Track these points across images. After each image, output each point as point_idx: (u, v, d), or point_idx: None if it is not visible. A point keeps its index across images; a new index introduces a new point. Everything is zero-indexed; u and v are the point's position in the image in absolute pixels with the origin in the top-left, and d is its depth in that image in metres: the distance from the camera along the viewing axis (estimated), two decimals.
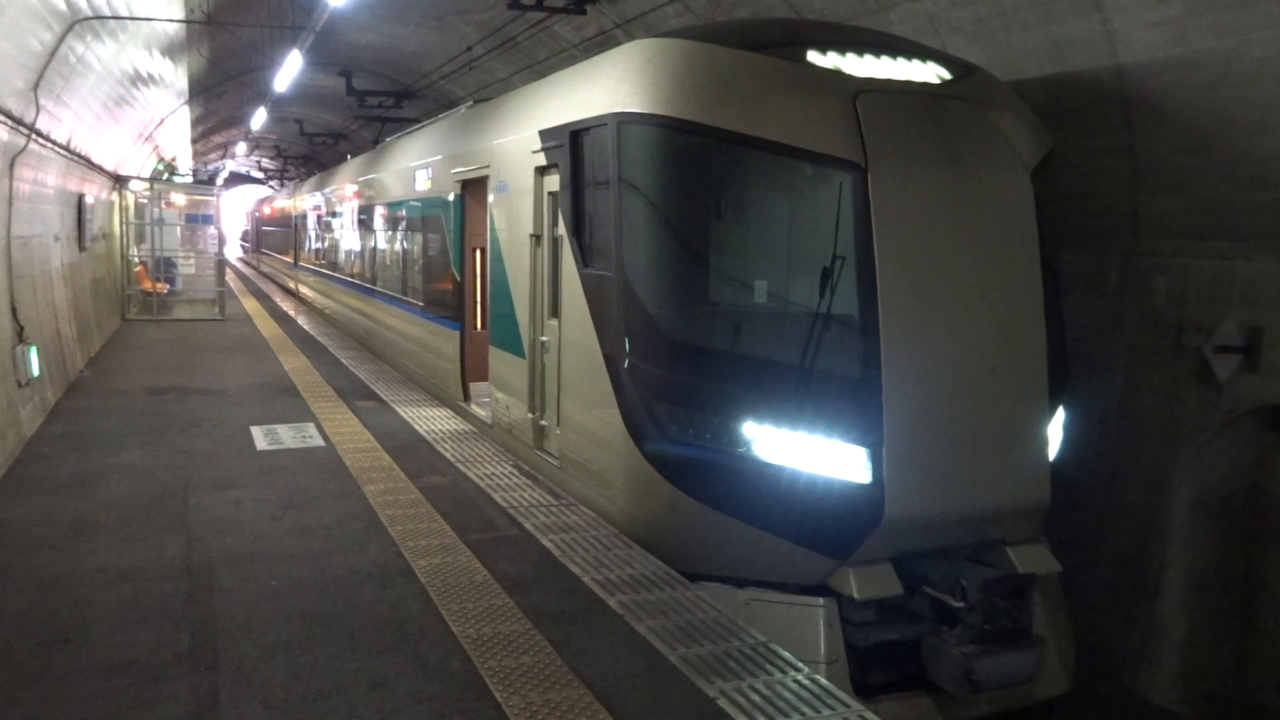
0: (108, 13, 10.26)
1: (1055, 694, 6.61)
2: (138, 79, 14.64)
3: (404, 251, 14.30)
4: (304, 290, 27.05)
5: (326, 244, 22.96)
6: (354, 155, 26.67)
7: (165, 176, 26.17)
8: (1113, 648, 8.37)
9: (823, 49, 6.76)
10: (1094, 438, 8.52)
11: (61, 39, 9.43)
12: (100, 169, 15.94)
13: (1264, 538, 8.04)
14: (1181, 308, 7.96)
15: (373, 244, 16.94)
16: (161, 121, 20.45)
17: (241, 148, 42.14)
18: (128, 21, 11.19)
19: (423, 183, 12.86)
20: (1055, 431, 6.80)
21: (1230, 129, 7.05)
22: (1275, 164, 6.92)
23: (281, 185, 48.31)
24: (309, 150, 39.60)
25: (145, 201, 21.31)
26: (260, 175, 57.70)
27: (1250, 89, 6.75)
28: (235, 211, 58.87)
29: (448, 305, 11.53)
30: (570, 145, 7.49)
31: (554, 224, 8.09)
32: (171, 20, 13.08)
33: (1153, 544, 8.17)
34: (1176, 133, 7.43)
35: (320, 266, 23.81)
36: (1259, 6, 6.37)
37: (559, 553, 6.11)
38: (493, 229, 9.66)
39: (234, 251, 54.69)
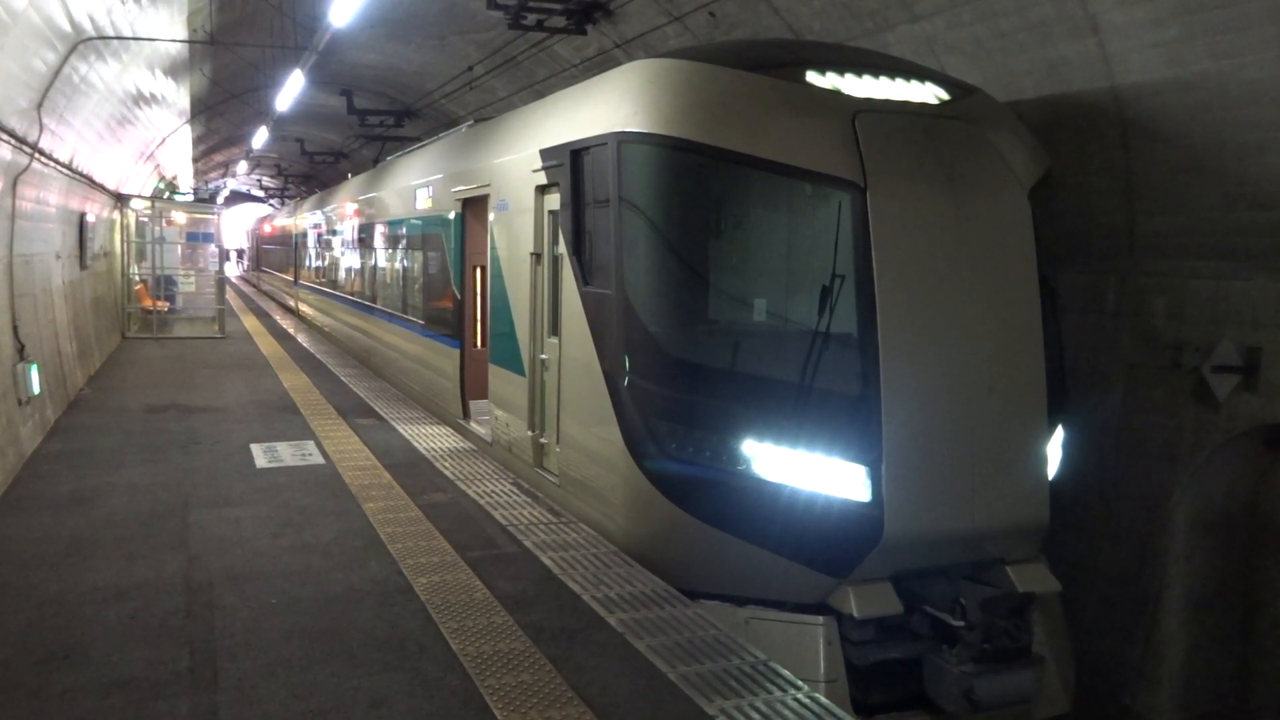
0: (111, 33, 10.33)
1: (1055, 713, 6.59)
2: (140, 98, 14.72)
3: (404, 269, 14.34)
4: (304, 308, 27.09)
5: (327, 262, 23.01)
6: (355, 174, 26.77)
7: (166, 195, 26.22)
8: (1112, 667, 8.35)
9: (822, 69, 6.81)
10: (1093, 457, 8.52)
11: (65, 59, 9.50)
12: (102, 188, 16.00)
13: (1263, 556, 8.04)
14: (1179, 327, 7.99)
15: (373, 262, 16.98)
16: (163, 140, 20.53)
17: (242, 166, 42.30)
18: (131, 42, 11.26)
19: (423, 201, 12.92)
20: (1054, 450, 6.81)
21: (1225, 150, 7.10)
22: (1270, 184, 6.96)
23: (282, 204, 48.43)
24: (310, 169, 39.74)
25: (146, 220, 21.37)
26: (261, 194, 57.89)
27: (1245, 110, 6.81)
28: (236, 230, 59.00)
29: (448, 323, 11.56)
30: (571, 164, 7.53)
31: (554, 242, 8.13)
32: (174, 40, 13.17)
33: (1152, 563, 8.17)
34: (1172, 153, 7.48)
35: (320, 284, 23.85)
36: (1253, 30, 6.43)
37: (559, 570, 6.11)
38: (493, 247, 9.70)
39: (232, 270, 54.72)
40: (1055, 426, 6.81)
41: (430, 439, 9.99)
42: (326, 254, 23.08)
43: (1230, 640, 8.13)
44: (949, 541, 6.25)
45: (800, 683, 4.66)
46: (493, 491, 7.98)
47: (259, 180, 51.96)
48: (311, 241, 25.63)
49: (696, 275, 6.70)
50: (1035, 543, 6.61)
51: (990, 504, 6.24)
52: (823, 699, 4.51)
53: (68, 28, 8.98)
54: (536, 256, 8.53)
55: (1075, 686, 6.88)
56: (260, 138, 26.46)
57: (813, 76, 6.74)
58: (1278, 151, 6.79)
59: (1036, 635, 6.41)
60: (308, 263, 26.50)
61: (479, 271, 11.19)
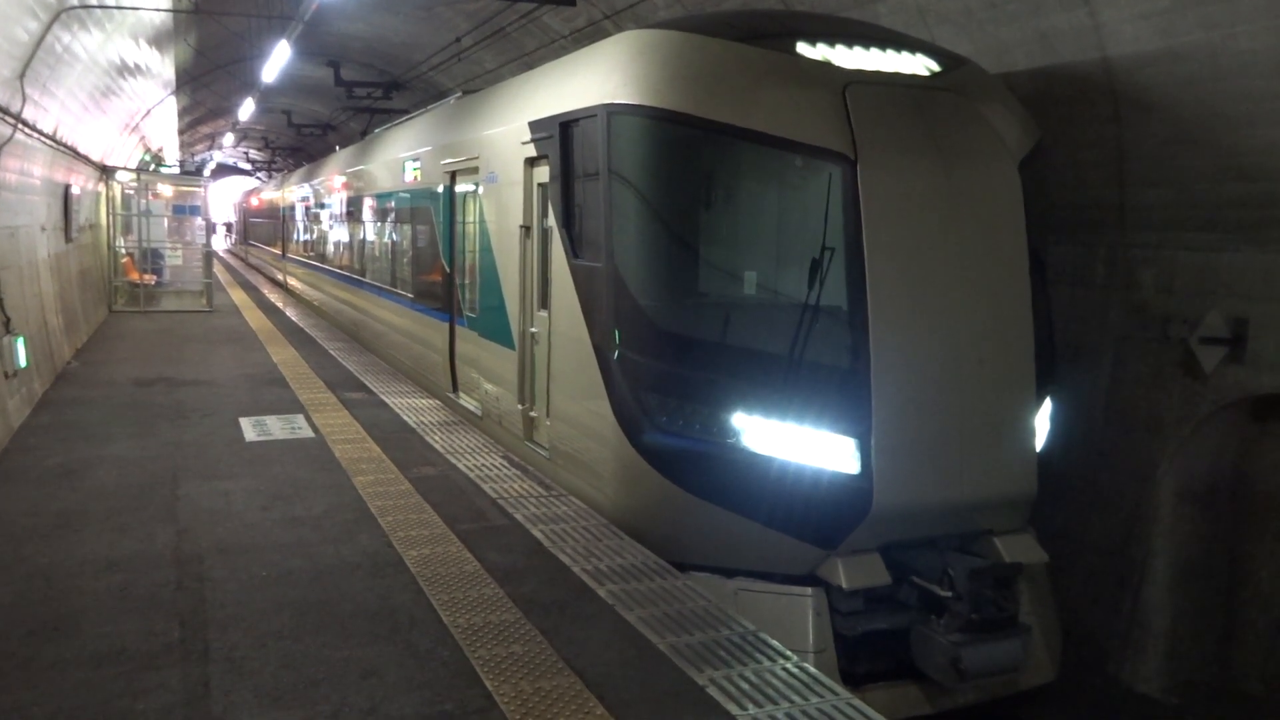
0: (94, 1, 10.19)
1: (1041, 682, 6.67)
2: (124, 69, 14.55)
3: (393, 243, 14.27)
4: (292, 282, 26.97)
5: (315, 235, 22.90)
6: (342, 146, 26.58)
7: (152, 167, 26.00)
8: (1098, 637, 8.43)
9: (812, 41, 6.78)
10: (1080, 428, 8.57)
11: (48, 28, 9.37)
12: (87, 159, 15.85)
13: (1248, 528, 8.10)
14: (1168, 299, 8.01)
15: (361, 235, 16.90)
16: (148, 112, 20.32)
17: (229, 139, 41.97)
18: (114, 11, 11.12)
19: (411, 174, 12.84)
20: (1042, 422, 6.85)
21: (1216, 122, 7.09)
22: (1260, 157, 6.96)
23: (269, 177, 48.09)
24: (297, 141, 39.42)
25: (132, 192, 21.20)
26: (248, 166, 57.47)
27: (1236, 82, 6.79)
28: (223, 203, 58.57)
29: (437, 297, 11.52)
30: (560, 136, 7.49)
31: (544, 215, 8.09)
32: (159, 9, 13.00)
33: (1138, 534, 8.24)
34: (1163, 125, 7.47)
35: (308, 258, 23.74)
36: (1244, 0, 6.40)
37: (549, 543, 6.12)
38: (482, 220, 9.65)
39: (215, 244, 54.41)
40: (1044, 398, 6.84)
41: (420, 412, 9.98)
42: (314, 227, 22.96)
43: (1214, 610, 8.22)
44: (937, 513, 6.29)
45: (789, 653, 4.69)
46: (483, 465, 7.98)
47: (246, 153, 51.56)
48: (299, 215, 25.48)
49: (686, 248, 6.69)
50: (1023, 514, 6.66)
51: (978, 476, 6.28)
52: (811, 669, 4.54)
53: None
54: (526, 229, 8.50)
55: (1061, 656, 6.95)
56: (247, 110, 26.22)
57: (803, 48, 6.70)
58: (1268, 124, 6.79)
59: (1023, 605, 6.47)
60: (295, 236, 26.36)
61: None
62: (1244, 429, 8.03)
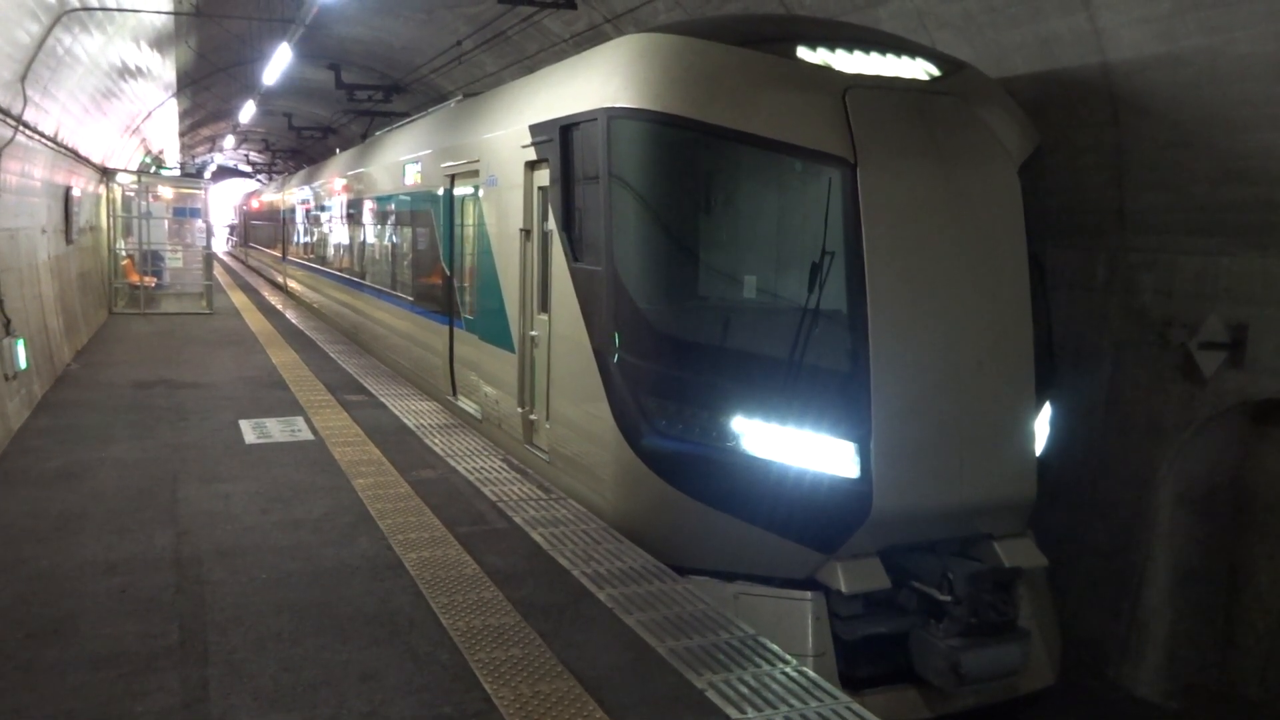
0: (95, 4, 10.21)
1: (1041, 686, 6.66)
2: (125, 71, 14.56)
3: (393, 245, 14.28)
4: (292, 284, 26.98)
5: (315, 238, 22.90)
6: (343, 149, 26.60)
7: (153, 170, 26.01)
8: (1098, 641, 8.43)
9: (813, 45, 6.78)
10: (1080, 432, 8.57)
11: (49, 30, 9.39)
12: (87, 162, 15.86)
13: (1247, 532, 8.11)
14: (1167, 303, 8.02)
15: (361, 238, 16.91)
16: (149, 114, 20.34)
17: (229, 141, 41.99)
18: (116, 13, 11.13)
19: (412, 177, 12.85)
20: (1042, 426, 6.84)
21: (1215, 125, 7.10)
22: (1259, 160, 6.97)
23: (270, 179, 48.09)
24: (297, 144, 39.41)
25: (132, 195, 21.21)
26: (248, 169, 57.47)
27: (1235, 86, 6.81)
28: (223, 205, 58.59)
29: (437, 300, 11.53)
30: (560, 140, 7.49)
31: (544, 219, 8.10)
32: (160, 12, 13.02)
33: (1137, 538, 8.24)
34: (1163, 129, 7.48)
35: (309, 261, 23.74)
36: (1244, 4, 6.41)
37: (549, 546, 6.12)
38: (482, 223, 9.66)
39: (220, 245, 54.45)
40: (1043, 402, 6.84)
41: (419, 415, 9.98)
42: (314, 230, 22.96)
43: (1213, 613, 8.22)
44: (937, 517, 6.28)
45: (788, 657, 4.69)
46: (482, 468, 7.98)
47: (246, 155, 51.57)
48: (299, 217, 25.50)
49: (686, 251, 6.69)
50: (1022, 518, 6.66)
51: (978, 480, 6.28)
52: (810, 673, 4.53)
53: None
54: (526, 233, 8.50)
55: (1061, 660, 6.95)
56: (247, 112, 26.25)
57: (803, 52, 6.71)
58: (1268, 128, 6.80)
59: (1023, 609, 6.47)
60: (295, 239, 26.37)
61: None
62: (1243, 433, 8.04)
